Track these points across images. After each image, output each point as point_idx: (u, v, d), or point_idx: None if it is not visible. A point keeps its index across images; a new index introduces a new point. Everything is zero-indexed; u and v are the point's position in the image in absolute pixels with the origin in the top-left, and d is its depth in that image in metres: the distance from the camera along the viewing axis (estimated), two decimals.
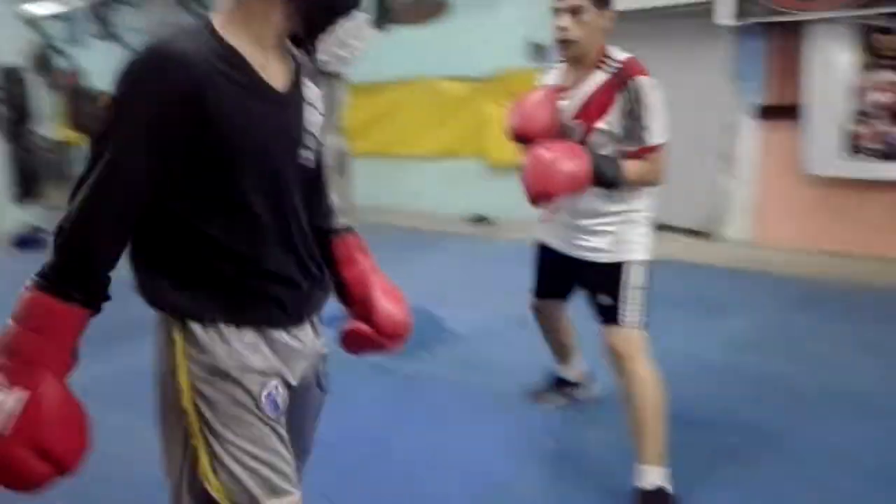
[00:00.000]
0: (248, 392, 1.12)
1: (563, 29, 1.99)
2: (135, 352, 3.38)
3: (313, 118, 1.19)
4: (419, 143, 7.26)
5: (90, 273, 1.04)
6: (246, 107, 1.06)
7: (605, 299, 2.13)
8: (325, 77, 3.88)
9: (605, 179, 1.94)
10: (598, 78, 2.03)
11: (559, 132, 2.07)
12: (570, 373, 2.74)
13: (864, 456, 2.34)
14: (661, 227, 2.67)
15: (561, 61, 2.17)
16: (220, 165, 1.06)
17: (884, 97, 4.55)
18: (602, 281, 2.14)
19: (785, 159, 5.02)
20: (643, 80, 1.97)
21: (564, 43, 2.03)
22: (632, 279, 2.11)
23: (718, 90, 5.34)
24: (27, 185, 6.66)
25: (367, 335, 1.33)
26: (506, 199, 6.55)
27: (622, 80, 1.98)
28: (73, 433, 1.02)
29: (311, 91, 1.20)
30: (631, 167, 1.99)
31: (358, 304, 1.33)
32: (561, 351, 2.67)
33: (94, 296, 1.04)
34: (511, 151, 7.03)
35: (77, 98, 8.01)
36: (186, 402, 1.11)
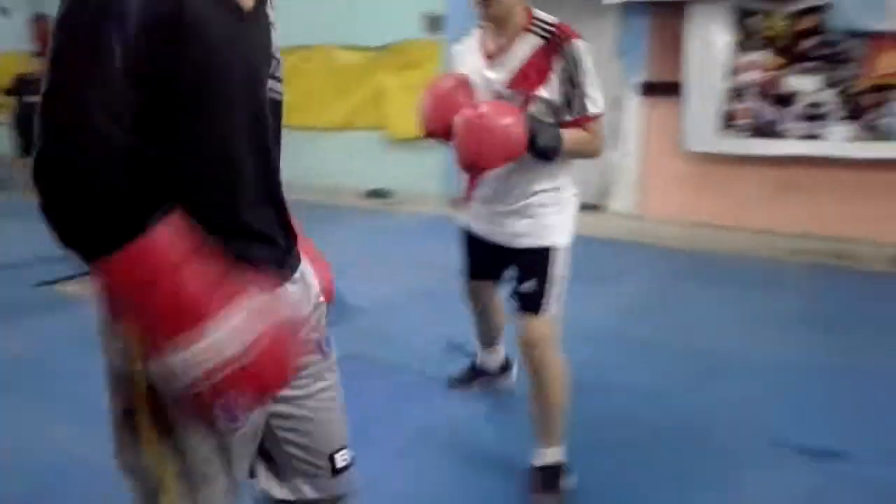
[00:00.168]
0: None
1: None
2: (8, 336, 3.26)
3: (277, 42, 1.05)
4: (316, 115, 7.15)
5: None
6: (222, 24, 0.91)
7: (528, 286, 2.00)
8: None
9: (544, 147, 1.79)
10: (530, 42, 1.87)
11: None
12: (492, 360, 2.65)
13: (745, 413, 2.57)
14: None
15: (480, 26, 1.99)
16: (197, 98, 0.90)
17: (756, 76, 4.87)
18: (527, 267, 2.01)
19: (666, 135, 5.30)
20: (580, 45, 1.84)
21: (486, 2, 1.84)
22: (557, 267, 2.00)
23: (605, 67, 5.55)
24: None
25: None
26: (406, 172, 6.62)
27: (558, 44, 1.83)
28: None
29: (271, 10, 1.05)
30: (570, 136, 1.85)
31: None
32: (489, 332, 2.55)
33: None
34: (411, 124, 7.06)
35: None
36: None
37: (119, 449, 1.01)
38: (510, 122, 1.74)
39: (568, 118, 1.87)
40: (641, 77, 5.33)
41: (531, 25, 1.88)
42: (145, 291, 0.85)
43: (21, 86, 6.65)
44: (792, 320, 3.54)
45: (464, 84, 1.94)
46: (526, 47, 1.87)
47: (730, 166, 5.09)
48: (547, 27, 1.87)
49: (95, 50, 0.82)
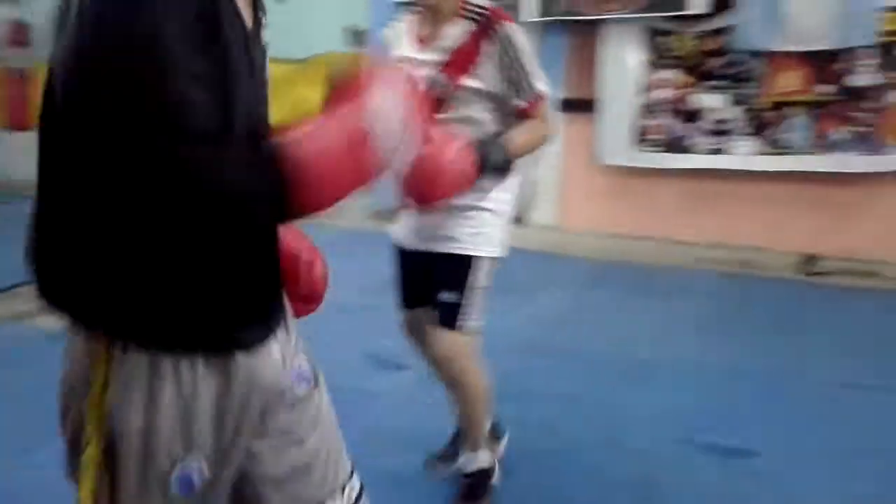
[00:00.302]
0: None
1: None
2: None
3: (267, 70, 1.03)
4: None
5: None
6: (240, 45, 0.89)
7: (448, 296, 1.90)
8: None
9: (494, 168, 1.69)
10: (462, 27, 1.82)
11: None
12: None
13: (661, 416, 2.67)
14: None
15: (415, 12, 1.93)
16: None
17: (667, 94, 5.09)
18: (448, 275, 1.91)
19: (584, 149, 5.46)
20: (512, 26, 1.80)
21: None
22: (480, 277, 1.92)
23: None
24: None
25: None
26: None
27: (488, 27, 1.78)
28: None
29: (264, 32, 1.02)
30: (517, 138, 1.77)
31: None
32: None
33: None
34: None
35: None
36: None
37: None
38: (457, 158, 1.58)
39: (520, 103, 1.81)
40: (560, 93, 5.48)
41: (463, 10, 1.83)
42: None
43: None
44: (704, 326, 3.71)
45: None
46: (458, 31, 1.82)
47: (644, 179, 5.28)
48: (479, 10, 1.82)
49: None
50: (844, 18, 4.40)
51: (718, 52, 4.86)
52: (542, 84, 1.82)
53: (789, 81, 4.70)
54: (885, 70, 4.46)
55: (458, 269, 1.90)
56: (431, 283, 1.95)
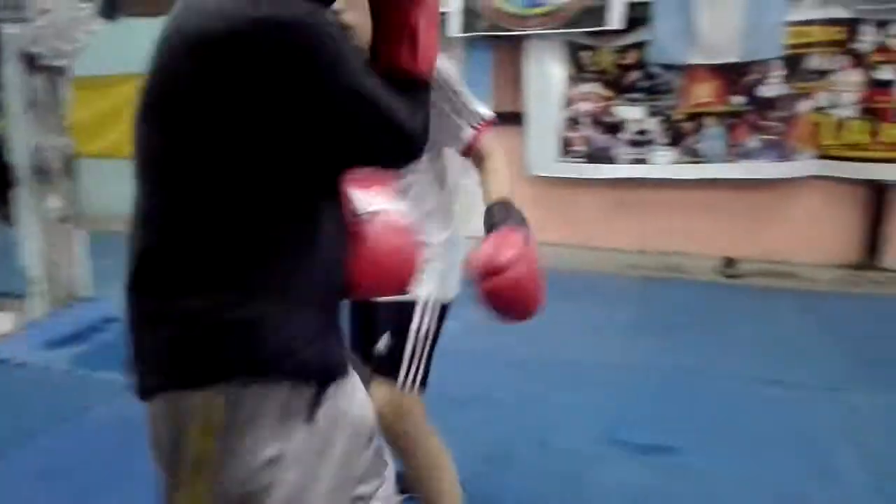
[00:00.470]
0: None
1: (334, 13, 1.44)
2: None
3: None
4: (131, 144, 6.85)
5: None
6: None
7: (385, 344, 1.68)
8: (46, 72, 3.59)
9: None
10: None
11: None
12: None
13: (587, 416, 2.75)
14: None
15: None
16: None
17: (589, 106, 5.24)
18: (386, 321, 1.69)
19: (512, 161, 5.52)
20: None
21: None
22: (424, 323, 1.70)
23: None
24: None
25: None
26: None
27: None
28: None
29: None
30: (505, 187, 1.62)
31: None
32: None
33: None
34: None
35: None
36: None
37: None
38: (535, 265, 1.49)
39: (465, 134, 1.64)
40: (489, 108, 5.56)
41: None
42: None
43: None
44: (628, 328, 3.83)
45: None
46: None
47: (570, 189, 5.42)
48: None
49: None
50: (752, 32, 4.63)
51: (636, 66, 5.05)
52: (483, 107, 1.68)
53: (703, 93, 4.91)
54: (791, 81, 4.71)
55: (397, 314, 1.68)
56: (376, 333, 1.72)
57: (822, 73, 4.65)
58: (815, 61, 4.65)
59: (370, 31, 1.00)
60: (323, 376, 0.94)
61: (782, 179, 4.87)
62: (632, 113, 5.12)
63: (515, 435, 2.61)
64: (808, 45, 4.64)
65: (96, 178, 5.35)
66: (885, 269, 4.77)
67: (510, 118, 5.39)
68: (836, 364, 3.31)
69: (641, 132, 5.12)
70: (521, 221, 1.50)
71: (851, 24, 4.58)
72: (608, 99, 5.17)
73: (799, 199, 4.96)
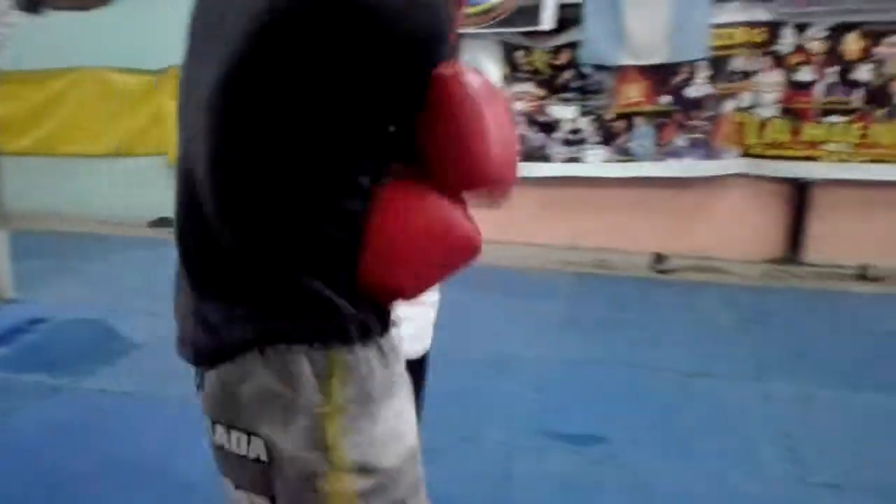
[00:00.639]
0: None
1: None
2: None
3: None
4: (89, 141, 6.67)
5: None
6: None
7: None
8: None
9: None
10: None
11: None
12: None
13: (518, 409, 2.79)
14: None
15: None
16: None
17: (524, 106, 5.31)
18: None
19: None
20: None
21: None
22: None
23: None
24: None
25: None
26: None
27: None
28: None
29: None
30: None
31: None
32: None
33: None
34: None
35: None
36: None
37: None
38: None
39: None
40: None
41: None
42: None
43: None
44: (561, 324, 3.90)
45: None
46: None
47: None
48: None
49: None
50: (679, 34, 4.77)
51: (569, 66, 5.14)
52: None
53: (633, 93, 5.04)
54: (716, 81, 4.87)
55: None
56: None
57: (746, 74, 4.82)
58: (738, 62, 4.82)
59: None
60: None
61: (709, 177, 5.03)
62: (565, 112, 5.21)
63: (445, 429, 2.63)
64: (732, 46, 4.81)
65: (22, 176, 5.16)
66: (807, 264, 4.98)
67: None
68: (759, 355, 3.44)
69: (574, 131, 5.21)
70: None
71: (772, 27, 4.76)
72: (542, 98, 5.24)
73: (725, 196, 5.13)
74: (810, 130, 4.80)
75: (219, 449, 0.98)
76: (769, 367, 3.28)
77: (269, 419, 0.90)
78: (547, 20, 4.93)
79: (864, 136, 4.76)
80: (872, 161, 4.77)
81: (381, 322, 0.95)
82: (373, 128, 0.89)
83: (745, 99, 4.85)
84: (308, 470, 0.90)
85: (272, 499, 0.94)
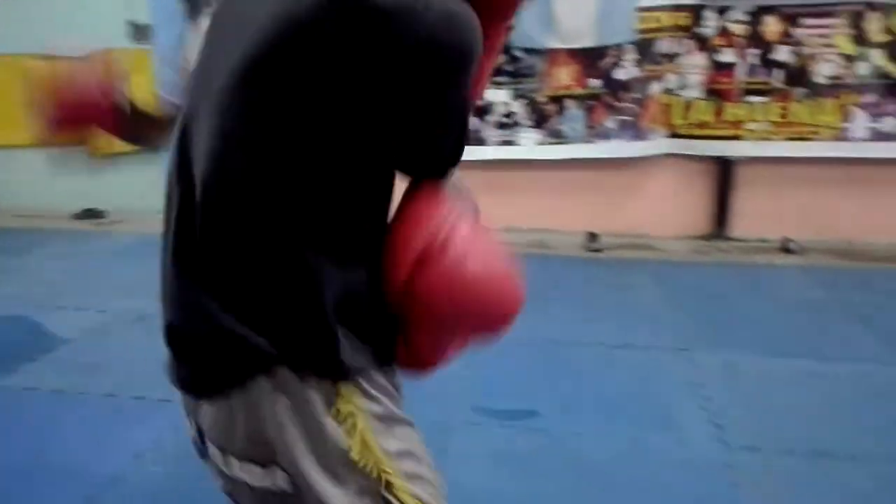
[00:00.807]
0: None
1: None
2: None
3: None
4: (8, 132, 6.40)
5: None
6: None
7: None
8: None
9: None
10: None
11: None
12: None
13: (452, 387, 2.79)
14: None
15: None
16: None
17: None
18: None
19: None
20: None
21: None
22: None
23: None
24: None
25: None
26: (120, 189, 6.18)
27: None
28: None
29: None
30: None
31: None
32: None
33: None
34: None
35: None
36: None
37: None
38: None
39: None
40: None
41: None
42: None
43: None
44: None
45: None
46: None
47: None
48: None
49: None
50: (605, 18, 4.87)
51: (501, 50, 5.17)
52: None
53: (564, 76, 5.11)
54: (643, 64, 4.98)
55: None
56: None
57: (671, 57, 4.95)
58: (664, 45, 4.94)
59: None
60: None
61: (638, 158, 5.15)
62: (499, 96, 5.25)
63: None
64: (658, 30, 4.93)
65: None
66: (732, 239, 5.16)
67: None
68: (684, 327, 3.56)
69: (508, 115, 5.26)
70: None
71: (695, 10, 4.89)
72: None
73: (654, 175, 5.27)
74: (733, 110, 4.96)
75: (233, 481, 0.94)
76: (694, 337, 3.40)
77: (288, 446, 0.88)
78: None
79: (783, 115, 4.95)
80: (792, 139, 4.97)
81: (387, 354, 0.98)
82: (390, 146, 0.87)
83: (671, 81, 4.99)
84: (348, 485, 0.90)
85: None
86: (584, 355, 3.21)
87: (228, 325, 0.85)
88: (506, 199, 5.42)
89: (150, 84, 5.85)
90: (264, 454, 0.88)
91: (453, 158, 0.96)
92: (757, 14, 4.86)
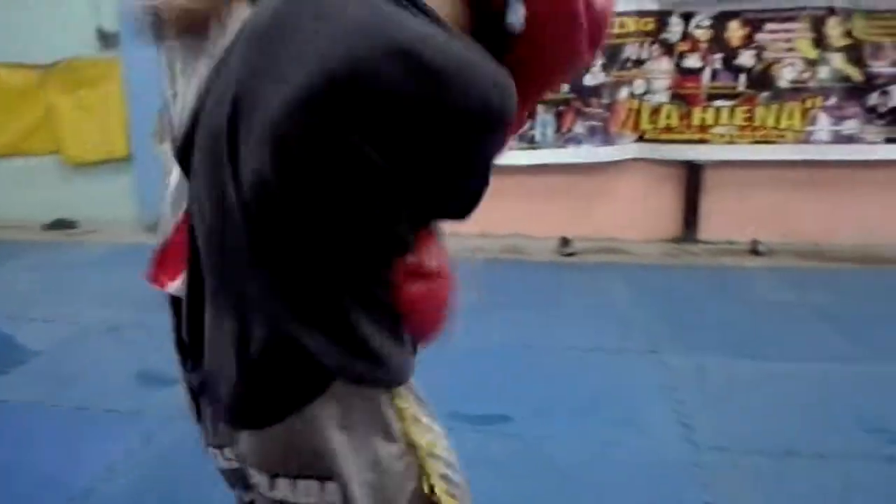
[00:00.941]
0: None
1: None
2: None
3: None
4: None
5: None
6: None
7: None
8: None
9: None
10: None
11: None
12: None
13: (430, 393, 2.84)
14: None
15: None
16: None
17: None
18: None
19: None
20: None
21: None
22: None
23: None
24: None
25: None
26: (91, 198, 6.12)
27: None
28: None
29: None
30: None
31: None
32: None
33: None
34: (93, 147, 6.50)
35: None
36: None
37: None
38: None
39: None
40: None
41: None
42: None
43: None
44: (472, 310, 3.94)
45: None
46: None
47: None
48: None
49: None
50: None
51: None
52: None
53: None
54: (611, 70, 5.06)
55: None
56: None
57: (638, 62, 5.03)
58: (630, 51, 5.02)
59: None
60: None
61: (608, 163, 5.23)
62: None
63: None
64: (624, 35, 5.00)
65: None
66: (701, 242, 5.25)
67: None
68: (655, 329, 3.62)
69: None
70: None
71: (661, 16, 4.98)
72: None
73: (624, 180, 5.34)
74: (699, 114, 5.06)
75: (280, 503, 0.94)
76: (664, 340, 3.46)
77: (344, 457, 0.91)
78: None
79: (749, 118, 5.05)
80: (758, 142, 5.07)
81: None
82: (419, 191, 0.87)
83: (638, 86, 5.07)
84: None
85: None
86: (557, 359, 3.25)
87: (308, 344, 0.87)
88: (481, 205, 5.46)
89: (120, 92, 5.81)
90: (317, 469, 0.91)
91: (476, 202, 0.99)
92: (721, 19, 4.96)
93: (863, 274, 4.59)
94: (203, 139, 0.93)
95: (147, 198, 5.47)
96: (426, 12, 0.82)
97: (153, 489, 2.25)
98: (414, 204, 0.88)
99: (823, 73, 4.94)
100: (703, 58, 5.01)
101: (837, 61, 4.93)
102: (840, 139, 5.00)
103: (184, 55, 1.33)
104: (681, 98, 5.04)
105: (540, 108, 5.17)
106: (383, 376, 0.94)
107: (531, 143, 5.25)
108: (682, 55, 5.01)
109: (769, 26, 4.96)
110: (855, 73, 4.92)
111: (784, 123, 5.03)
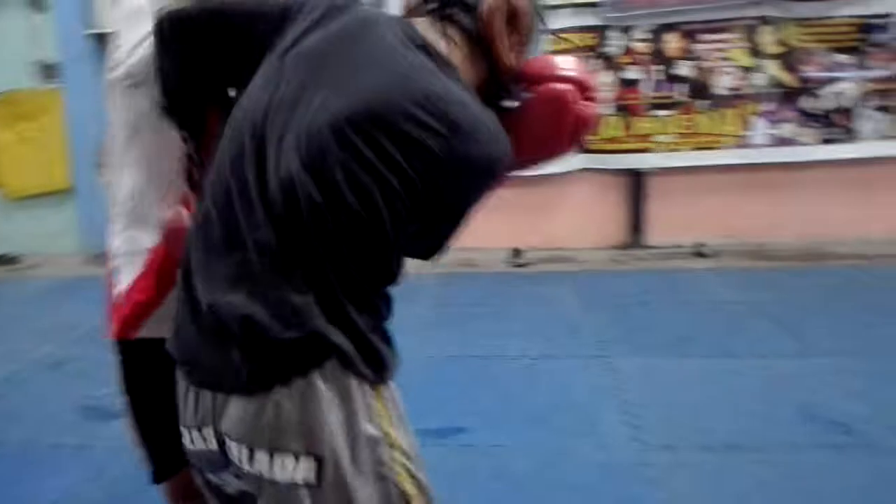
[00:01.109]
0: None
1: None
2: None
3: None
4: None
5: None
6: None
7: None
8: None
9: None
10: None
11: None
12: None
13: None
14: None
15: None
16: None
17: None
18: None
19: None
20: None
21: None
22: None
23: None
24: None
25: None
26: (33, 232, 5.98)
27: None
28: None
29: None
30: None
31: None
32: None
33: None
34: (32, 179, 6.39)
35: None
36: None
37: None
38: None
39: None
40: None
41: None
42: None
43: None
44: (426, 324, 4.00)
45: None
46: None
47: None
48: None
49: None
50: None
51: None
52: None
53: None
54: None
55: None
56: None
57: None
58: None
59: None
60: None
61: (556, 174, 5.31)
62: None
63: None
64: (566, 50, 5.11)
65: None
66: (648, 247, 5.37)
67: None
68: (604, 334, 3.69)
69: None
70: None
71: (601, 31, 5.12)
72: None
73: (572, 190, 5.44)
74: (641, 124, 5.20)
75: (255, 479, 0.96)
76: (613, 344, 3.53)
77: (331, 435, 0.94)
78: None
79: (689, 126, 5.21)
80: (699, 148, 5.23)
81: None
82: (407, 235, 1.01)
83: None
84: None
85: None
86: (509, 369, 3.29)
87: (314, 323, 0.93)
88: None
89: (61, 124, 5.72)
90: (301, 444, 0.93)
91: (442, 247, 1.15)
92: (658, 32, 5.12)
93: (804, 271, 4.74)
94: (239, 119, 1.01)
95: (90, 229, 5.39)
96: (457, 77, 0.99)
97: None
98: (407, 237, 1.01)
99: (759, 79, 5.13)
100: (643, 70, 5.15)
101: (772, 68, 5.12)
102: (777, 142, 5.19)
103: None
104: (623, 109, 5.18)
105: None
106: (380, 368, 1.02)
107: None
108: (622, 68, 5.14)
109: (705, 37, 5.14)
110: (789, 79, 5.11)
111: (723, 129, 5.20)
